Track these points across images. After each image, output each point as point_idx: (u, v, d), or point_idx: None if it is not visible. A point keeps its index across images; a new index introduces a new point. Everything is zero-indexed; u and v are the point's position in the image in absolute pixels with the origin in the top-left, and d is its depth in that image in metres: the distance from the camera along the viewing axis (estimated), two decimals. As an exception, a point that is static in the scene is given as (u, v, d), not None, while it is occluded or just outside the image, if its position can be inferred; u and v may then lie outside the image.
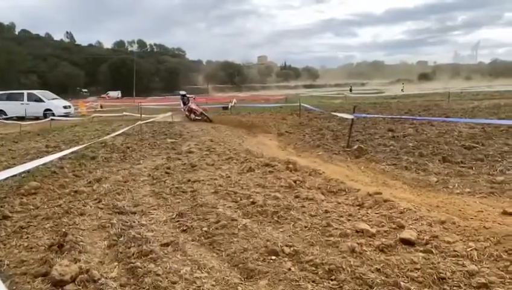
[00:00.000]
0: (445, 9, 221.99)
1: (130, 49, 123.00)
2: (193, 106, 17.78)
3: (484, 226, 3.47)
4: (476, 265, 2.79)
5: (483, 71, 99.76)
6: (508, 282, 2.58)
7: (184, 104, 18.29)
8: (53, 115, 21.01)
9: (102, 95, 74.37)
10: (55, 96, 26.25)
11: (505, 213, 3.97)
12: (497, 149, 7.21)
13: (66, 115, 23.24)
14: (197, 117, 17.25)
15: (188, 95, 19.10)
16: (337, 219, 3.98)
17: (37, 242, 3.68)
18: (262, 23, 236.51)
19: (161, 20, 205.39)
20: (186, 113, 17.81)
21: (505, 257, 2.89)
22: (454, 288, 2.57)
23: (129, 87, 74.02)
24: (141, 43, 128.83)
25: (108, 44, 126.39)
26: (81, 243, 3.60)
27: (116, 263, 3.23)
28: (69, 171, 6.76)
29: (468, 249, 3.04)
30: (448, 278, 2.66)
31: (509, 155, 6.69)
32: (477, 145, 7.68)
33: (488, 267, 2.77)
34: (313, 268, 2.95)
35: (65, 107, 24.79)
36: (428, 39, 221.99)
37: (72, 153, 7.44)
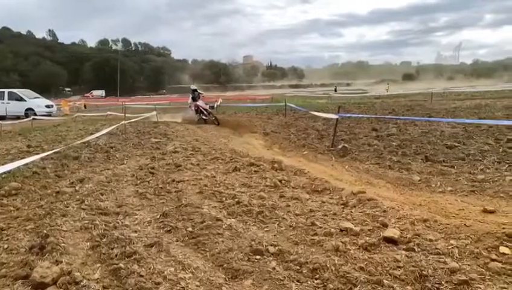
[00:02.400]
0: (428, 11, 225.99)
1: (114, 47, 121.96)
2: (200, 104, 15.91)
3: (465, 224, 3.54)
4: (457, 262, 2.84)
5: (465, 72, 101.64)
6: (487, 279, 2.63)
7: (194, 100, 16.33)
8: (35, 114, 20.68)
9: (86, 94, 73.45)
10: (37, 95, 25.82)
11: (485, 211, 4.07)
12: (478, 148, 7.35)
13: (49, 115, 22.89)
14: (204, 117, 15.77)
15: (199, 91, 16.79)
16: (322, 218, 4.00)
17: (18, 244, 3.60)
18: (248, 23, 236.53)
19: (146, 18, 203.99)
20: (191, 110, 16.33)
21: (485, 254, 2.95)
22: (436, 285, 2.61)
23: (113, 86, 73.30)
24: (126, 42, 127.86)
25: (92, 42, 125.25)
26: (62, 244, 3.53)
27: (99, 265, 3.18)
28: (51, 172, 6.64)
29: (449, 247, 3.09)
30: (430, 275, 2.70)
31: (490, 154, 6.83)
32: (458, 145, 7.81)
33: (468, 265, 2.82)
34: (298, 267, 2.96)
35: (47, 106, 24.41)
36: (411, 40, 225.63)
37: (54, 153, 7.31)
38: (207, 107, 15.99)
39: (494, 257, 2.89)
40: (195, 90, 16.63)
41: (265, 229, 3.83)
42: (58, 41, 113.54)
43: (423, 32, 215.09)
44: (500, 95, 27.89)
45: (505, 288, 2.50)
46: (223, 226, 3.86)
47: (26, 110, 22.72)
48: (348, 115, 12.99)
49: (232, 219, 4.10)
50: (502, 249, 2.98)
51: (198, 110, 15.94)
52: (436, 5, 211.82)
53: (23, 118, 19.75)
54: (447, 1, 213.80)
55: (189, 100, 16.73)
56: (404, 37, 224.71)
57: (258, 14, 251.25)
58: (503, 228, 3.32)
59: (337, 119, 9.31)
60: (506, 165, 6.04)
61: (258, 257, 3.18)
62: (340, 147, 8.31)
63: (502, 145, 7.50)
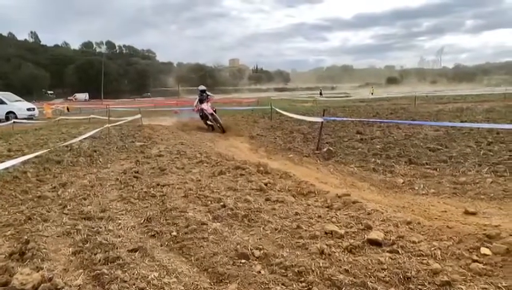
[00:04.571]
0: (410, 16, 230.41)
1: (98, 50, 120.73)
2: (205, 107, 13.98)
3: (447, 226, 3.59)
4: (439, 264, 2.88)
5: (447, 76, 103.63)
6: (469, 279, 2.67)
7: (201, 102, 14.31)
8: (16, 117, 20.27)
9: (69, 97, 72.45)
10: (18, 98, 25.28)
11: (466, 213, 4.15)
12: (460, 151, 7.49)
13: (30, 118, 22.43)
14: (209, 123, 14.07)
15: (207, 93, 14.93)
16: (307, 221, 4.01)
17: (-3, 250, 3.52)
18: (234, 26, 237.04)
19: (131, 21, 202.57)
20: (195, 108, 14.59)
21: (467, 255, 3.00)
22: (419, 287, 2.63)
23: (97, 89, 72.44)
24: (110, 45, 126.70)
25: (75, 45, 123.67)
26: (44, 250, 3.47)
27: (81, 270, 3.13)
28: (33, 176, 6.52)
29: (432, 249, 3.13)
30: (414, 277, 2.73)
31: (471, 157, 6.96)
32: (441, 148, 7.94)
33: (450, 266, 2.86)
34: (283, 270, 2.96)
35: (29, 109, 23.91)
36: (395, 44, 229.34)
37: (35, 157, 7.18)
38: (212, 111, 13.99)
39: (475, 258, 2.94)
40: (203, 92, 14.75)
41: (251, 232, 3.82)
42: (41, 43, 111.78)
43: (406, 37, 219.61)
44: (481, 98, 28.59)
45: (486, 289, 2.54)
46: (208, 230, 3.83)
47: (7, 113, 22.22)
48: (333, 118, 13.11)
49: (217, 223, 4.08)
50: (483, 250, 3.03)
51: (203, 115, 14.24)
52: (418, 10, 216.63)
53: (3, 122, 19.33)
54: (429, 7, 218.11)
55: (195, 102, 14.80)
56: (387, 41, 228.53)
57: (244, 18, 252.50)
58: (484, 230, 3.38)
59: (322, 122, 9.37)
60: (487, 168, 6.16)
61: (243, 260, 3.17)
62: (325, 150, 8.37)
63: (483, 148, 7.66)
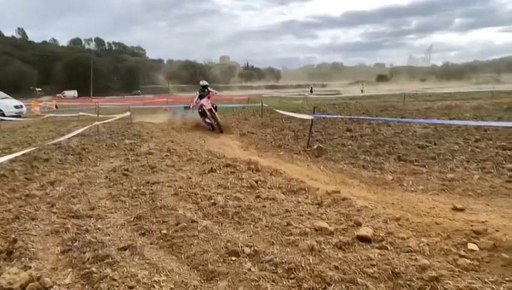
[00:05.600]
0: (400, 14, 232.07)
1: (87, 47, 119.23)
2: (204, 102, 12.93)
3: (435, 222, 3.63)
4: (427, 259, 2.91)
5: (436, 73, 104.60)
6: (456, 275, 2.70)
7: (201, 98, 13.28)
8: (3, 115, 19.97)
9: (58, 95, 71.51)
10: (5, 95, 24.85)
11: (454, 209, 4.20)
12: (448, 148, 7.57)
13: (18, 116, 22.08)
14: (207, 121, 13.03)
15: (209, 89, 13.89)
16: (297, 218, 4.02)
17: (-16, 250, 3.46)
18: (225, 24, 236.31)
19: (120, 18, 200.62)
20: (194, 104, 13.57)
21: (454, 250, 3.04)
22: (408, 282, 2.66)
23: (86, 86, 71.69)
24: (99, 41, 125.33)
25: (64, 41, 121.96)
26: (32, 249, 3.44)
27: (70, 269, 3.10)
28: (20, 174, 6.44)
29: (420, 245, 3.17)
30: (402, 272, 2.76)
31: (459, 154, 7.04)
32: (430, 145, 8.03)
33: (438, 261, 2.90)
34: (273, 267, 2.97)
35: (16, 107, 23.54)
36: (384, 42, 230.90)
37: (23, 155, 7.08)
38: (211, 107, 12.88)
39: (462, 253, 2.98)
40: (205, 87, 13.74)
41: (241, 230, 3.82)
42: (28, 40, 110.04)
43: (395, 35, 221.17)
44: (469, 96, 28.95)
45: (473, 283, 2.58)
46: (199, 228, 3.83)
47: (-6, 111, 21.90)
48: (323, 115, 13.15)
49: (208, 221, 4.07)
50: (470, 245, 3.08)
51: (202, 112, 13.19)
52: (407, 8, 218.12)
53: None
54: (418, 5, 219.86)
55: (195, 98, 13.73)
56: (377, 39, 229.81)
57: (234, 15, 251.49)
58: (472, 225, 3.43)
59: (312, 120, 9.40)
60: (474, 164, 6.24)
61: (233, 258, 3.17)
62: (315, 147, 8.39)
63: (470, 144, 7.76)
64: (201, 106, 13.04)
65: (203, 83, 14.18)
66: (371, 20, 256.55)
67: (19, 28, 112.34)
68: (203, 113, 13.18)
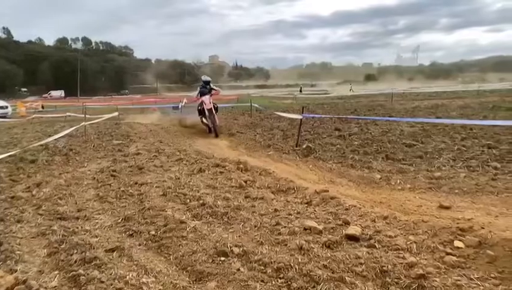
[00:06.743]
0: (387, 14, 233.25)
1: (74, 46, 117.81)
2: (205, 100, 11.84)
3: (423, 220, 3.67)
4: (415, 257, 2.94)
5: (423, 73, 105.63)
6: (443, 272, 2.74)
7: (202, 94, 12.14)
8: (-13, 116, 19.64)
9: (44, 95, 70.57)
10: (-10, 96, 24.51)
11: (441, 207, 4.25)
12: (435, 147, 7.65)
13: (3, 116, 21.77)
14: (204, 121, 12.15)
15: (212, 86, 12.70)
16: (286, 217, 4.04)
17: (-32, 253, 3.40)
18: (213, 23, 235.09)
19: (107, 17, 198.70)
20: (195, 98, 12.70)
21: (441, 248, 3.08)
22: (395, 280, 2.69)
23: (73, 86, 70.85)
24: (86, 41, 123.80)
25: (50, 41, 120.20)
26: (17, 252, 3.39)
27: (56, 272, 3.07)
28: (6, 176, 6.34)
29: (408, 243, 3.20)
30: (390, 270, 2.79)
31: (446, 152, 7.12)
32: (417, 143, 8.10)
33: (425, 259, 2.93)
34: (262, 267, 2.97)
35: (1, 107, 23.24)
36: (372, 42, 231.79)
37: (9, 156, 6.98)
38: (211, 106, 11.78)
39: (449, 250, 3.02)
40: (207, 83, 12.46)
41: (230, 230, 3.82)
42: (13, 39, 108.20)
43: (383, 35, 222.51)
44: (455, 95, 29.34)
45: (459, 280, 2.61)
46: (187, 229, 3.81)
47: (-21, 112, 21.55)
48: (312, 115, 13.19)
49: (197, 221, 4.06)
50: (456, 243, 3.12)
51: (201, 110, 12.13)
52: (394, 8, 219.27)
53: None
54: (405, 5, 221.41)
55: (196, 93, 12.74)
56: (365, 39, 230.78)
57: (223, 14, 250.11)
58: (458, 223, 3.48)
59: (301, 119, 9.43)
60: (461, 163, 6.32)
61: (222, 258, 3.17)
62: (304, 146, 8.41)
63: (457, 143, 7.85)
64: (202, 103, 12.00)
65: (206, 78, 12.70)
66: (359, 20, 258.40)
67: (3, 27, 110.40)
68: (201, 112, 12.19)
